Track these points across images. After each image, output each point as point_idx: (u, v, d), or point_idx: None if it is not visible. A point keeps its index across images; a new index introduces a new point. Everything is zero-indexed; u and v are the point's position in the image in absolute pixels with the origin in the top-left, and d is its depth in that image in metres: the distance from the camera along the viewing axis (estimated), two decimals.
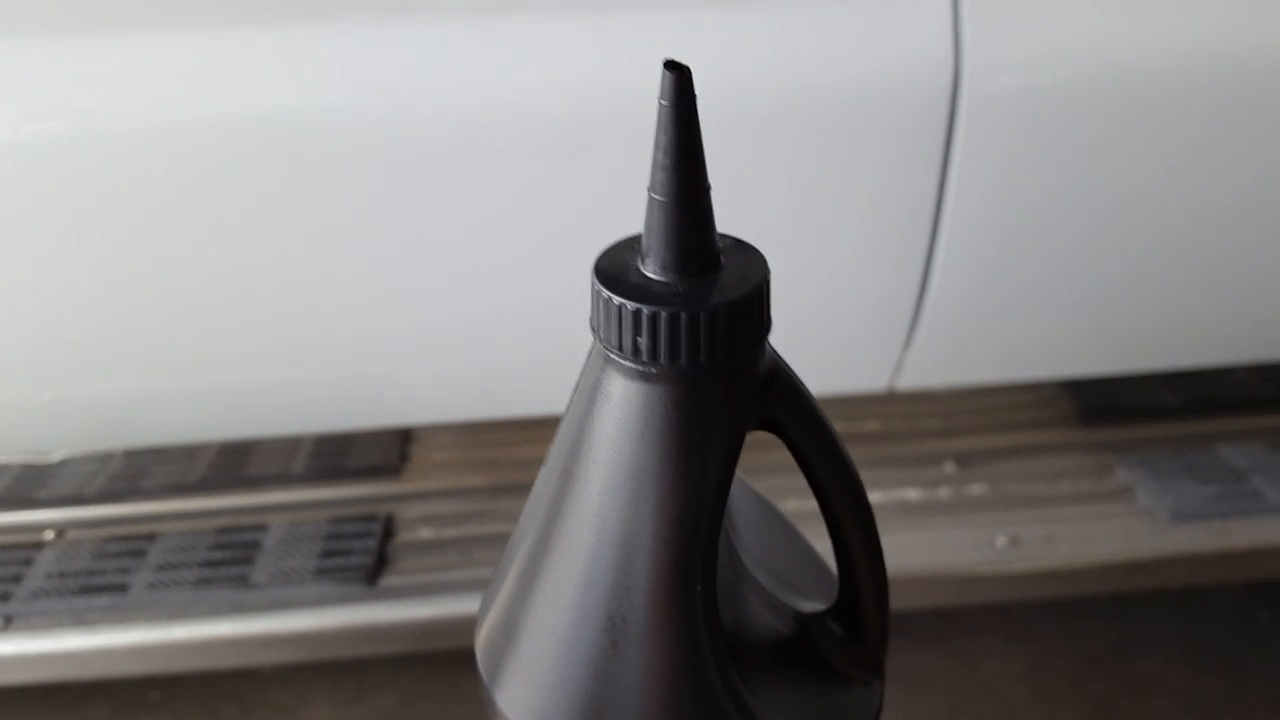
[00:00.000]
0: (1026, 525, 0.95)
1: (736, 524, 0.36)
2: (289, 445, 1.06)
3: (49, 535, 0.97)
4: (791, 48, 0.73)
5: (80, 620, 0.89)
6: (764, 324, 0.31)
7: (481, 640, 0.35)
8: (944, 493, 0.98)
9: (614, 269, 0.31)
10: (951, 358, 0.91)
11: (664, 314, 0.29)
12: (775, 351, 0.32)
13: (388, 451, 1.05)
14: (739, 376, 0.31)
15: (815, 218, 0.77)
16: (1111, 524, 0.95)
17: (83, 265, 0.78)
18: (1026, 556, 0.92)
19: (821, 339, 0.87)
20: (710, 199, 0.30)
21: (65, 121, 0.72)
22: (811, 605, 0.36)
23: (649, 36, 0.72)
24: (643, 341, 0.30)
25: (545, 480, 0.34)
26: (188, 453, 1.04)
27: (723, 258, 0.31)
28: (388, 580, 0.93)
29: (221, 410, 0.92)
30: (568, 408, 0.33)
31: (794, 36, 0.73)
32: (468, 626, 0.92)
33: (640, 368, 0.30)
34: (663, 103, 0.28)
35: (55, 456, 1.04)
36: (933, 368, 0.91)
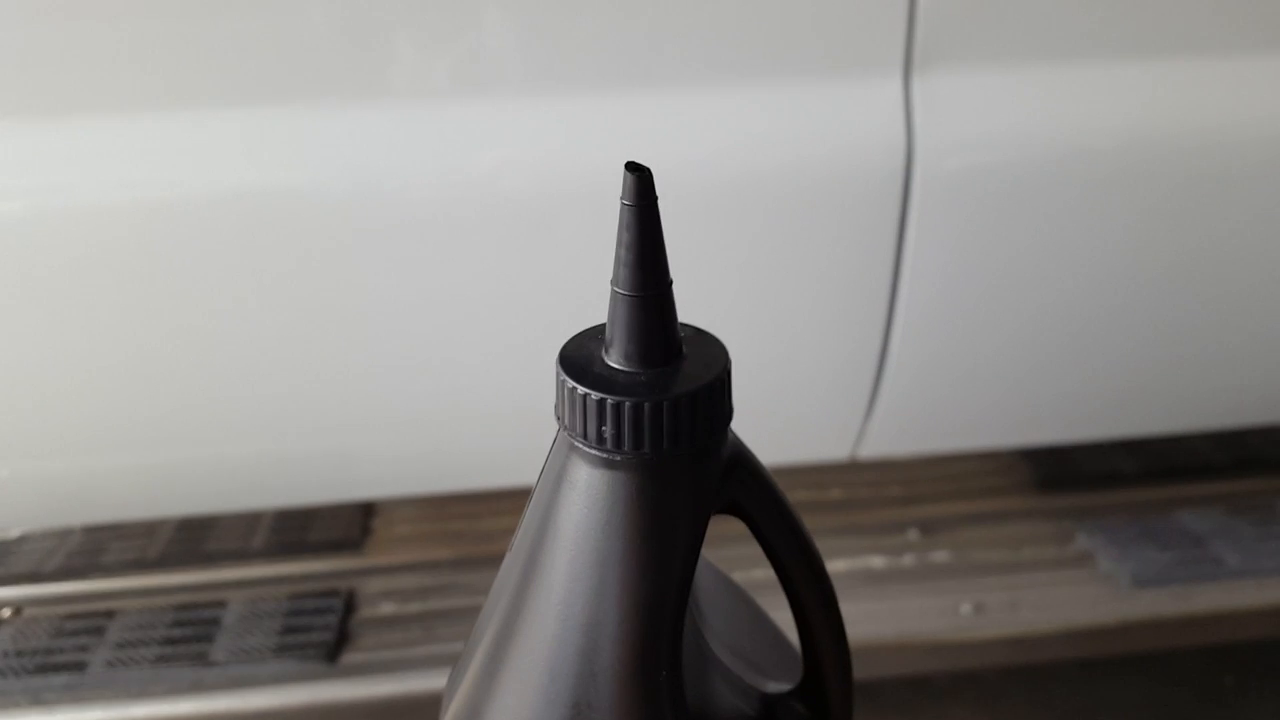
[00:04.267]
0: (991, 592, 0.96)
1: (700, 603, 0.36)
2: (249, 520, 1.05)
3: (5, 613, 0.96)
4: (746, 130, 0.75)
5: (37, 700, 0.88)
6: (726, 412, 0.32)
7: None
8: (908, 560, 0.99)
9: (579, 359, 0.32)
10: (912, 427, 0.93)
11: (628, 404, 0.30)
12: (737, 437, 0.33)
13: (349, 525, 1.05)
14: (702, 463, 0.32)
15: (775, 294, 0.79)
16: (1074, 590, 0.96)
17: (41, 341, 0.78)
18: (991, 623, 0.93)
19: (784, 410, 0.88)
20: (671, 293, 0.31)
21: (30, 200, 0.73)
22: (776, 685, 0.37)
23: (608, 119, 0.74)
24: (607, 430, 0.30)
25: (510, 565, 0.34)
26: (147, 529, 1.03)
27: (685, 347, 0.32)
28: (349, 657, 0.91)
29: (181, 486, 0.92)
30: (532, 493, 0.33)
31: (748, 119, 0.75)
32: (430, 703, 0.91)
33: (605, 455, 0.31)
34: (625, 202, 0.29)
35: (13, 533, 1.02)
36: (894, 437, 0.93)
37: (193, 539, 1.03)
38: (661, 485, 0.31)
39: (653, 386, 0.30)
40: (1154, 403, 0.93)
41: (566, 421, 0.31)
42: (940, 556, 0.99)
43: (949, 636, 0.93)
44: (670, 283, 0.31)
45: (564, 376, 0.31)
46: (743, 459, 0.33)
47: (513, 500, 1.06)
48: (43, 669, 0.90)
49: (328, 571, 1.00)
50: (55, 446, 0.85)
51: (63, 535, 1.03)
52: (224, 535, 1.03)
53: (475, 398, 0.86)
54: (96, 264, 0.74)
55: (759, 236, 0.76)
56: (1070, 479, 1.07)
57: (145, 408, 0.82)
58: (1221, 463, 1.08)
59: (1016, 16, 0.71)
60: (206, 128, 0.72)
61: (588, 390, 0.30)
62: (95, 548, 1.02)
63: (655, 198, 0.29)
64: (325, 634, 0.93)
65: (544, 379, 0.83)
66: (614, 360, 0.31)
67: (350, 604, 0.96)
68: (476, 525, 1.04)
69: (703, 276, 0.76)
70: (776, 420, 0.88)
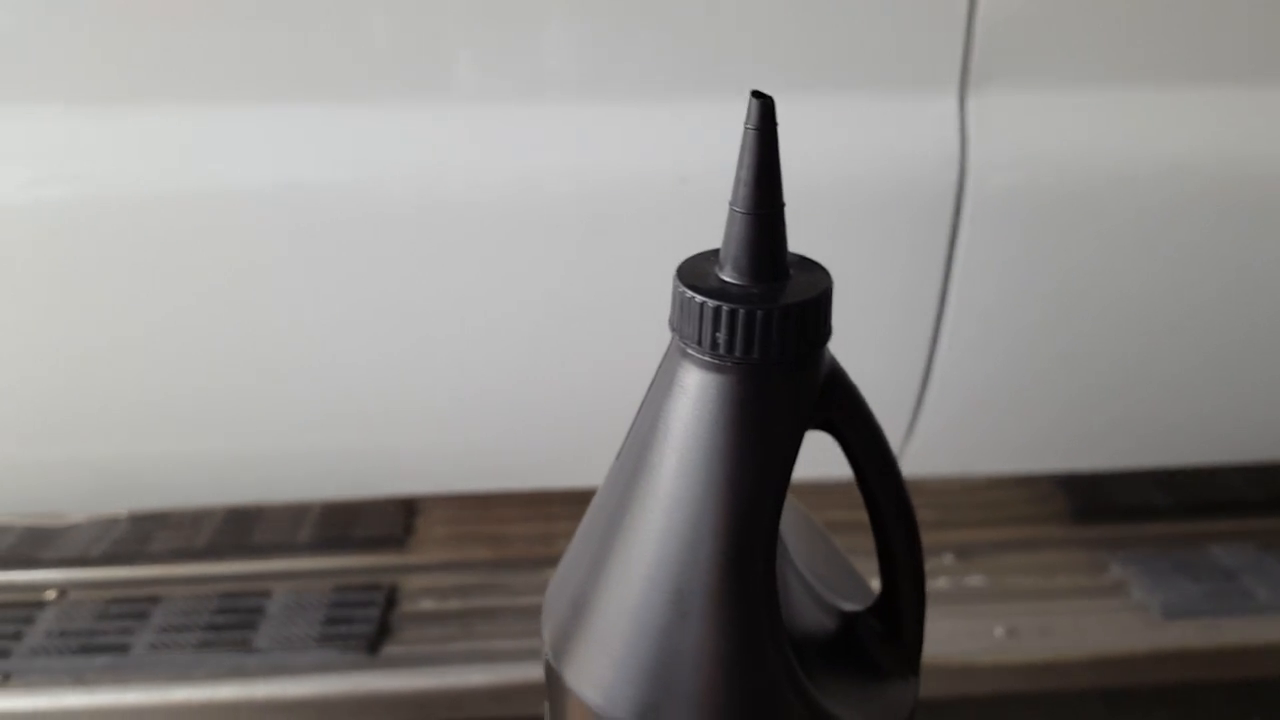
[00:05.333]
0: (1023, 617, 0.96)
1: (782, 527, 0.38)
2: (295, 514, 1.07)
3: (51, 595, 0.97)
4: (800, 143, 0.78)
5: (79, 679, 0.89)
6: (827, 328, 0.34)
7: (549, 622, 0.37)
8: (943, 583, 1.00)
9: (694, 273, 0.34)
10: (952, 448, 0.94)
11: (741, 311, 0.32)
12: (834, 357, 0.35)
13: (392, 523, 1.06)
14: (803, 375, 0.34)
15: None
16: (1106, 618, 0.96)
17: (97, 328, 0.80)
18: (1023, 648, 0.94)
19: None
20: (783, 214, 0.33)
21: (76, 187, 0.75)
22: (851, 605, 0.39)
23: (663, 127, 0.77)
24: (720, 336, 0.33)
25: (619, 465, 0.36)
26: (194, 519, 1.05)
27: (791, 270, 0.34)
28: (389, 649, 0.93)
29: (230, 475, 0.94)
30: (643, 400, 0.36)
31: (803, 132, 0.78)
32: (467, 698, 0.92)
33: (715, 361, 0.33)
34: (748, 127, 0.32)
35: (62, 519, 1.04)
36: (934, 457, 0.94)
37: (239, 531, 1.05)
38: (765, 390, 0.33)
39: (762, 297, 0.33)
40: (1193, 433, 0.95)
41: (680, 329, 0.34)
42: (975, 581, 1.01)
43: (981, 660, 0.94)
44: (783, 205, 0.33)
45: (681, 287, 0.33)
46: (839, 378, 0.35)
47: (550, 505, 1.07)
48: (86, 649, 0.92)
49: (370, 567, 1.01)
50: (107, 432, 0.87)
51: (110, 523, 1.05)
52: (270, 528, 1.05)
53: (519, 398, 0.88)
54: (150, 252, 0.76)
55: (809, 250, 0.79)
56: (1105, 510, 1.08)
57: (196, 396, 0.84)
58: (1255, 499, 1.09)
59: (1072, 39, 0.74)
60: (266, 122, 0.74)
61: (703, 298, 0.33)
62: (142, 535, 1.04)
63: (776, 124, 0.32)
64: (366, 626, 0.94)
65: (589, 380, 0.85)
66: (727, 274, 0.34)
67: (391, 598, 0.98)
68: (515, 528, 1.06)
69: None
70: (814, 435, 0.90)
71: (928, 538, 1.02)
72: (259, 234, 0.77)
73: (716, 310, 0.33)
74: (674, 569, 0.34)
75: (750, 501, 0.33)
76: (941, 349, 0.86)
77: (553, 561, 1.00)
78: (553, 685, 0.37)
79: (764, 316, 0.32)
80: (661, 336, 0.80)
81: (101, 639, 0.93)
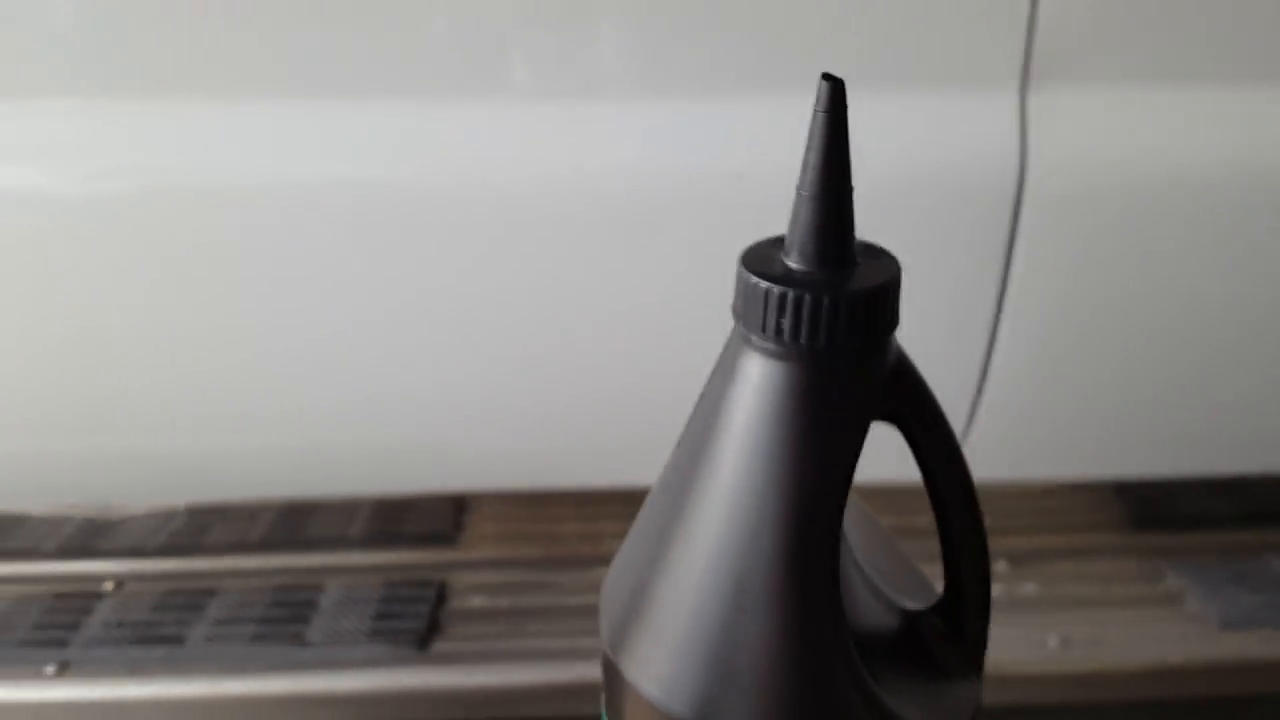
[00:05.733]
0: (1078, 626, 0.95)
1: (844, 522, 0.38)
2: (348, 510, 1.08)
3: (109, 586, 0.99)
4: (858, 139, 0.77)
5: (136, 670, 0.90)
6: (893, 317, 0.34)
7: (607, 615, 0.37)
8: (997, 590, 0.98)
9: (759, 259, 0.34)
10: (1008, 452, 0.93)
11: (807, 297, 0.32)
12: (900, 347, 0.35)
13: (443, 520, 1.07)
14: (869, 363, 0.34)
15: None
16: (1162, 628, 0.95)
17: (153, 322, 0.82)
18: (1077, 657, 0.92)
19: (876, 428, 0.89)
20: (852, 199, 0.33)
21: (134, 181, 0.76)
22: (913, 603, 0.38)
23: (716, 125, 0.77)
24: (785, 323, 0.32)
25: (679, 456, 0.36)
26: (249, 513, 1.07)
27: (858, 256, 0.34)
28: (438, 645, 0.93)
29: (283, 469, 0.95)
30: (704, 389, 0.36)
31: (860, 128, 0.77)
32: (516, 696, 0.92)
33: (779, 348, 0.33)
34: (818, 110, 0.32)
35: (120, 511, 1.06)
36: (989, 462, 0.93)
37: (293, 525, 1.06)
38: (830, 379, 0.33)
39: (828, 284, 0.33)
40: (1253, 440, 0.93)
41: (744, 316, 0.34)
42: (1028, 589, 0.99)
43: (1035, 669, 0.92)
44: (851, 189, 0.33)
45: (745, 272, 0.33)
46: (906, 369, 0.35)
47: (601, 504, 1.07)
48: (142, 640, 0.93)
49: (421, 563, 1.02)
50: (166, 424, 0.89)
51: (167, 515, 1.07)
52: (323, 523, 1.06)
53: (570, 395, 0.88)
54: (207, 245, 0.77)
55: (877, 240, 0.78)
56: (1163, 518, 1.06)
57: (252, 389, 0.86)
58: None
59: (1136, 36, 0.73)
60: (317, 117, 0.75)
61: (769, 284, 0.33)
62: (199, 528, 1.05)
63: (845, 107, 0.32)
64: (416, 622, 0.95)
65: (640, 378, 0.85)
66: (792, 260, 0.34)
67: (442, 595, 0.98)
68: (565, 527, 1.06)
69: None
70: (869, 437, 0.89)
71: None
72: (313, 229, 0.78)
73: (782, 296, 0.32)
74: (735, 561, 0.33)
75: (814, 492, 0.33)
76: (998, 352, 0.85)
77: (603, 561, 1.00)
78: (610, 678, 0.37)
79: (830, 303, 0.32)
80: (714, 334, 0.79)
81: (158, 630, 0.94)
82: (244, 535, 1.04)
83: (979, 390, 0.87)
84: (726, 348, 0.35)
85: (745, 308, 0.33)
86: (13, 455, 0.92)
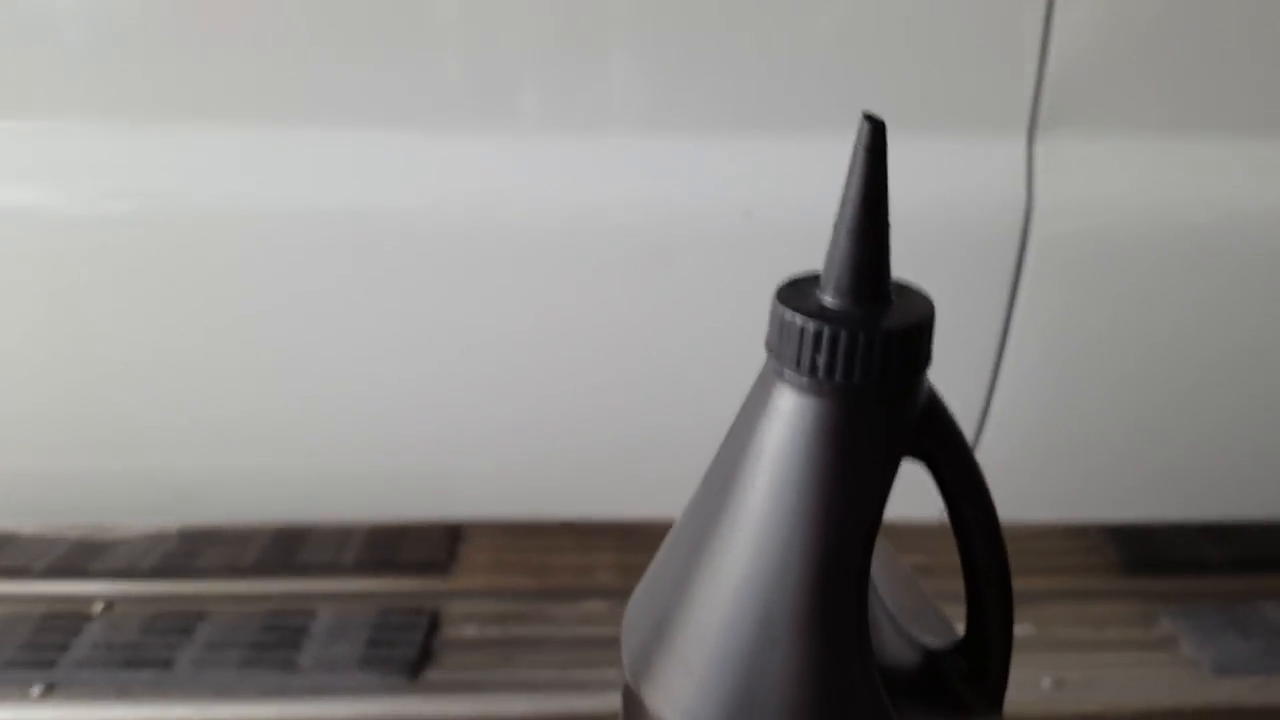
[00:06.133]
0: (1071, 669, 0.95)
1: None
2: (341, 536, 1.07)
3: (98, 607, 0.98)
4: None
5: (123, 693, 0.89)
6: (927, 355, 0.34)
7: (630, 643, 0.37)
8: None
9: (794, 295, 0.34)
10: (1005, 494, 0.93)
11: (843, 334, 0.32)
12: (932, 386, 0.35)
13: (437, 549, 1.07)
14: (901, 400, 0.34)
15: None
16: (1155, 672, 0.95)
17: (153, 341, 0.82)
18: (1071, 699, 0.92)
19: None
20: (889, 237, 0.33)
21: (142, 202, 0.77)
22: (935, 641, 0.38)
23: (727, 161, 0.77)
24: (820, 359, 0.33)
25: (707, 485, 0.36)
26: (242, 536, 1.06)
27: (892, 295, 0.34)
28: (431, 674, 0.93)
29: (278, 493, 0.94)
30: (735, 421, 0.36)
31: None
32: None
33: (814, 384, 0.33)
34: (858, 149, 0.32)
35: (111, 531, 1.05)
36: None
37: (286, 549, 1.05)
38: (863, 416, 0.33)
39: (864, 321, 0.33)
40: (1247, 486, 0.94)
41: (778, 351, 0.34)
42: (1023, 630, 0.99)
43: (1028, 710, 0.92)
44: (889, 228, 0.33)
45: (781, 307, 0.33)
46: (937, 407, 0.35)
47: (596, 536, 1.07)
48: (131, 663, 0.92)
49: (414, 591, 1.01)
50: (158, 443, 0.88)
51: (158, 537, 1.06)
52: (317, 549, 1.05)
53: (569, 425, 0.88)
54: (207, 268, 0.78)
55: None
56: (1157, 563, 1.07)
57: (248, 411, 0.85)
58: None
59: (1141, 85, 0.75)
60: (330, 146, 0.76)
61: (804, 319, 0.33)
62: (190, 551, 1.04)
63: (885, 147, 0.32)
64: (409, 650, 0.94)
65: (642, 410, 0.85)
66: (828, 296, 0.34)
67: (434, 624, 0.98)
68: (558, 558, 1.05)
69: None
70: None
71: None
72: (318, 255, 0.78)
73: (817, 332, 0.33)
74: (763, 593, 0.33)
75: (844, 527, 0.33)
76: (998, 393, 0.86)
77: (597, 593, 1.00)
78: (631, 707, 0.37)
79: (866, 340, 0.32)
80: (717, 366, 0.80)
81: (146, 653, 0.93)
82: (236, 559, 1.03)
83: (979, 430, 0.88)
84: (759, 381, 0.35)
85: (780, 342, 0.34)
86: (6, 472, 0.91)
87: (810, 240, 0.77)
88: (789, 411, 0.34)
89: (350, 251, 0.78)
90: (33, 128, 0.75)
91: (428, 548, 1.06)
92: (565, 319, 0.82)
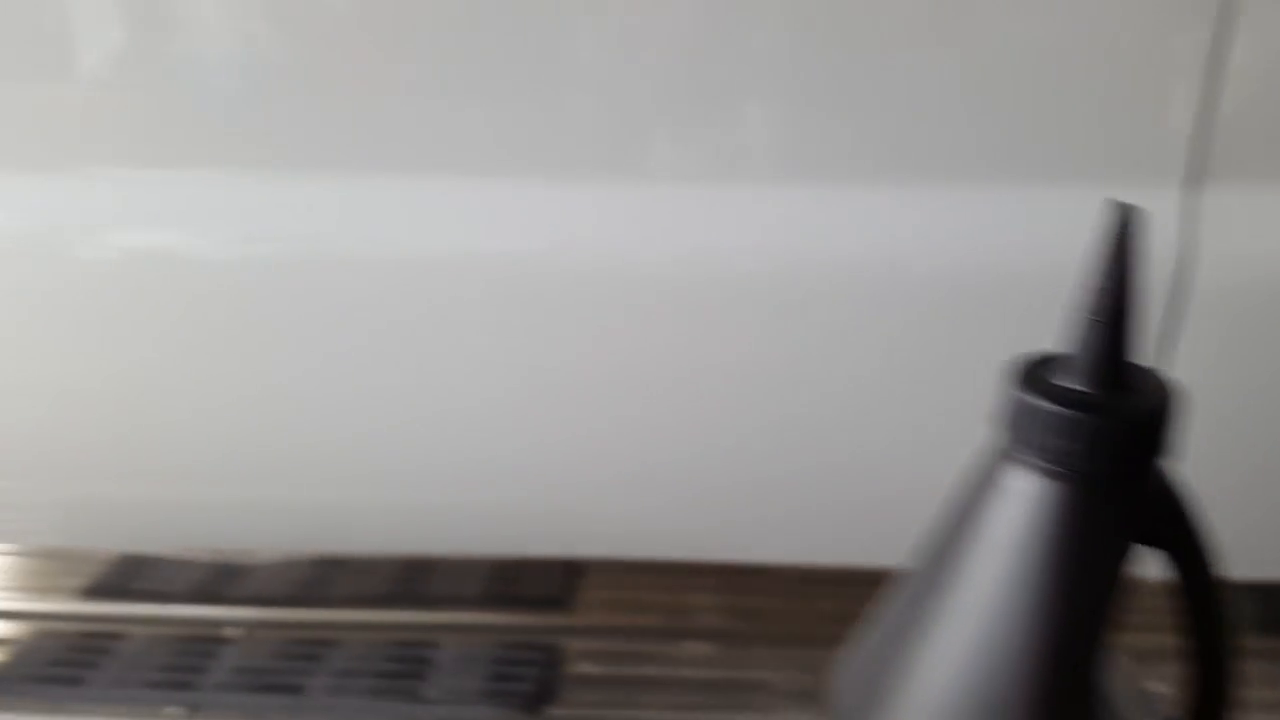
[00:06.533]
0: None
1: None
2: (464, 569, 1.09)
3: (234, 632, 1.01)
4: (1010, 233, 0.77)
5: (258, 717, 0.91)
6: (1168, 441, 0.34)
7: (842, 705, 0.37)
8: None
9: (1031, 376, 0.34)
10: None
11: (1087, 421, 0.32)
12: (1167, 471, 0.35)
13: (555, 584, 1.07)
14: (1139, 487, 0.34)
15: None
16: None
17: (287, 377, 0.84)
18: None
19: None
20: (1133, 324, 0.33)
21: (279, 246, 0.79)
22: None
23: (864, 212, 0.77)
24: (1061, 444, 0.33)
25: (927, 559, 0.36)
26: (370, 566, 1.08)
27: (1132, 379, 0.34)
28: (551, 711, 0.93)
29: (405, 526, 0.96)
30: (956, 496, 0.36)
31: (1012, 222, 0.77)
32: None
33: (1050, 468, 0.33)
34: (1111, 235, 0.32)
35: (246, 557, 1.08)
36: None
37: (412, 580, 1.07)
38: (1101, 501, 0.33)
39: (1108, 408, 0.33)
40: None
41: (1014, 432, 0.34)
42: (1154, 687, 0.96)
43: None
44: (1137, 315, 0.33)
45: (1021, 389, 0.33)
46: (1174, 494, 0.35)
47: (710, 576, 1.07)
48: (265, 688, 0.94)
49: (535, 626, 1.02)
50: (291, 475, 0.91)
51: (290, 565, 1.08)
52: (441, 580, 1.07)
53: (697, 471, 0.88)
54: (343, 310, 0.80)
55: (1027, 339, 0.77)
56: None
57: (380, 446, 0.87)
58: None
59: None
60: (459, 194, 0.77)
61: (1048, 405, 0.33)
62: (321, 579, 1.07)
63: (1137, 233, 0.32)
64: (528, 685, 0.95)
65: (767, 455, 0.85)
66: (1070, 380, 0.34)
67: (554, 660, 0.98)
68: (679, 599, 1.05)
69: (964, 370, 0.77)
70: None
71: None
72: (449, 300, 0.80)
73: (1061, 418, 0.33)
74: (989, 679, 0.33)
75: (1078, 615, 0.33)
76: None
77: (718, 635, 1.00)
78: None
79: (1110, 428, 0.32)
80: (851, 416, 0.80)
81: (280, 678, 0.95)
82: (365, 589, 1.05)
83: None
84: (983, 458, 0.35)
85: (1017, 424, 0.34)
86: (148, 501, 0.95)
87: (955, 294, 0.77)
88: (1022, 494, 0.34)
89: (480, 296, 0.80)
90: (172, 176, 0.78)
91: (546, 583, 1.07)
92: (695, 367, 0.82)
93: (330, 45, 0.74)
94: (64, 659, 0.97)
